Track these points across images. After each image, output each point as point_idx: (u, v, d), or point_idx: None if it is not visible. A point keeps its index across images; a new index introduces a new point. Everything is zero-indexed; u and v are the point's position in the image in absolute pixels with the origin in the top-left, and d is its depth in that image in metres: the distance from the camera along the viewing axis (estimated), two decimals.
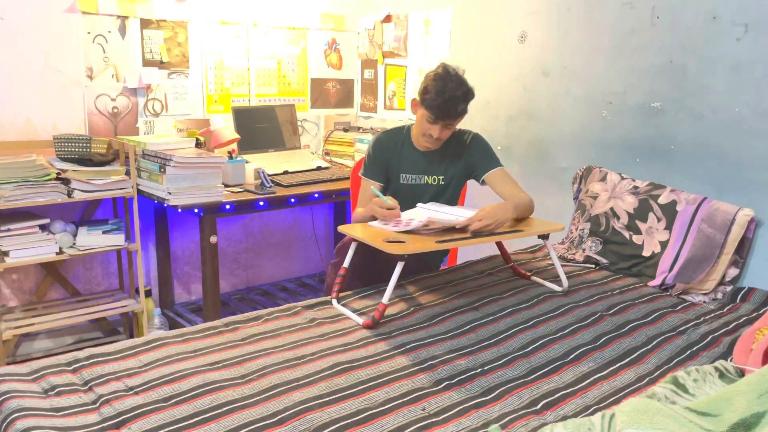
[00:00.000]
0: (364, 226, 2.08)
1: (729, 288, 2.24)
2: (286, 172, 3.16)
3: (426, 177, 2.38)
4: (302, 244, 3.90)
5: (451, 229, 2.03)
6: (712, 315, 2.07)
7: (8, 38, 2.71)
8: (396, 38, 3.60)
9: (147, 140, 2.83)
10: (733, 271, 2.26)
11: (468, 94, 2.23)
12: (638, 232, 2.41)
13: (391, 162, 2.39)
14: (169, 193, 2.61)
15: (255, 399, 1.47)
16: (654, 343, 1.82)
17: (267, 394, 1.49)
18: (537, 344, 1.80)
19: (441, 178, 2.39)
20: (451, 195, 2.41)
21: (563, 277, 2.17)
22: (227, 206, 2.73)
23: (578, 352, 1.76)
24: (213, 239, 2.73)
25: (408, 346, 1.76)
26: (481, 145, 2.41)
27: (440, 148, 2.36)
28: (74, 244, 2.69)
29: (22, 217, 2.61)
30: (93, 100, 2.97)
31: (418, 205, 2.28)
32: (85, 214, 3.00)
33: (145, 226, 3.23)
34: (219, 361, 1.65)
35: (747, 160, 2.26)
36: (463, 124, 3.24)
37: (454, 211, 2.17)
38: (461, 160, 2.39)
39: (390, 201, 2.12)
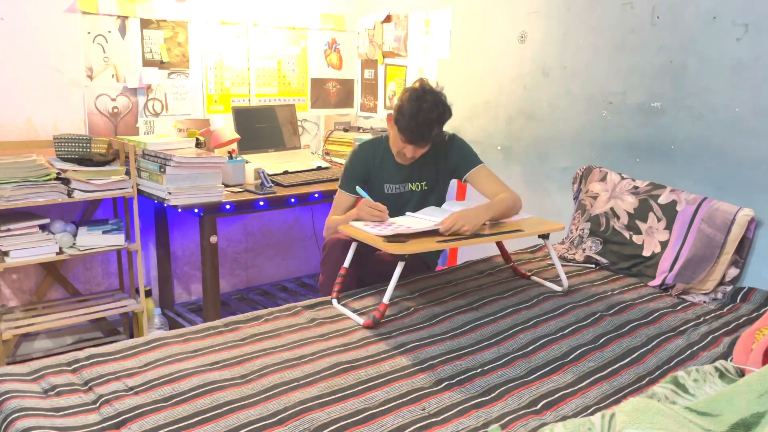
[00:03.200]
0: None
1: (729, 288, 2.24)
2: (286, 172, 3.16)
3: (410, 185, 2.38)
4: (302, 244, 3.90)
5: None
6: (712, 315, 2.07)
7: (8, 38, 2.71)
8: (396, 38, 3.60)
9: (147, 140, 2.83)
10: (733, 271, 2.26)
11: (443, 115, 2.18)
12: (638, 232, 2.41)
13: (371, 174, 2.38)
14: (169, 193, 2.61)
15: (255, 399, 1.47)
16: (654, 343, 1.82)
17: (267, 394, 1.49)
18: (537, 344, 1.80)
19: (424, 183, 2.39)
20: (436, 198, 2.41)
21: (563, 277, 2.17)
22: (227, 206, 2.73)
23: (578, 352, 1.76)
24: (213, 239, 2.73)
25: (408, 346, 1.76)
26: (460, 146, 2.40)
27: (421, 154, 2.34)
28: (74, 244, 2.69)
29: (22, 217, 2.61)
30: (93, 100, 2.97)
31: (407, 213, 2.26)
32: (85, 214, 3.00)
33: (145, 226, 3.23)
34: (219, 361, 1.65)
35: (747, 160, 2.26)
36: (463, 124, 3.26)
37: (437, 213, 2.15)
38: (442, 163, 2.39)
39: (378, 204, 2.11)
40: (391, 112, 2.24)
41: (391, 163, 2.38)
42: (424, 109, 2.12)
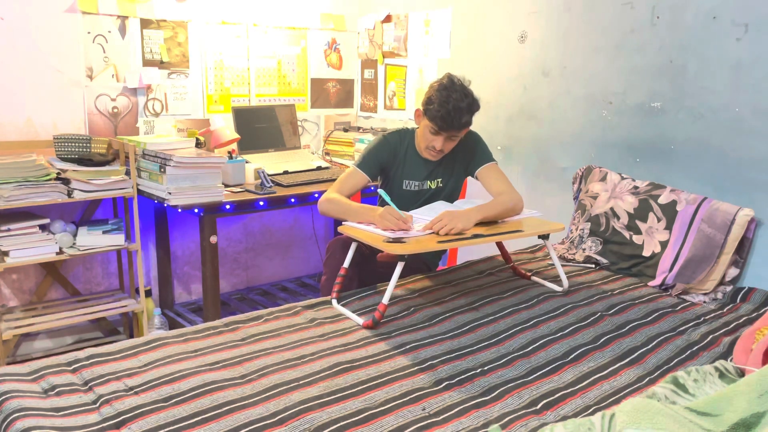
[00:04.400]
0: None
1: (729, 288, 2.24)
2: (286, 172, 3.16)
3: (428, 182, 2.38)
4: (302, 244, 3.90)
5: None
6: (712, 315, 2.07)
7: (8, 38, 2.71)
8: (396, 38, 3.60)
9: (147, 140, 2.83)
10: (733, 271, 2.26)
11: (473, 105, 2.20)
12: (638, 232, 2.41)
13: (393, 165, 2.37)
14: (169, 193, 2.61)
15: (255, 399, 1.47)
16: (654, 343, 1.82)
17: (267, 394, 1.49)
18: (537, 344, 1.80)
19: (440, 180, 2.39)
20: (447, 195, 2.40)
21: (563, 277, 2.17)
22: (227, 206, 2.73)
23: (578, 352, 1.76)
24: (213, 239, 2.73)
25: (408, 346, 1.76)
26: (474, 141, 2.39)
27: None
28: (74, 244, 2.69)
29: (22, 217, 2.61)
30: (93, 100, 2.97)
31: (425, 208, 2.26)
32: (85, 214, 3.00)
33: (145, 226, 3.23)
34: (219, 361, 1.65)
35: (747, 160, 2.26)
36: None
37: (431, 213, 2.15)
38: (459, 161, 2.39)
39: (404, 214, 2.02)
40: (419, 107, 2.25)
41: (414, 160, 2.36)
42: (453, 98, 2.14)
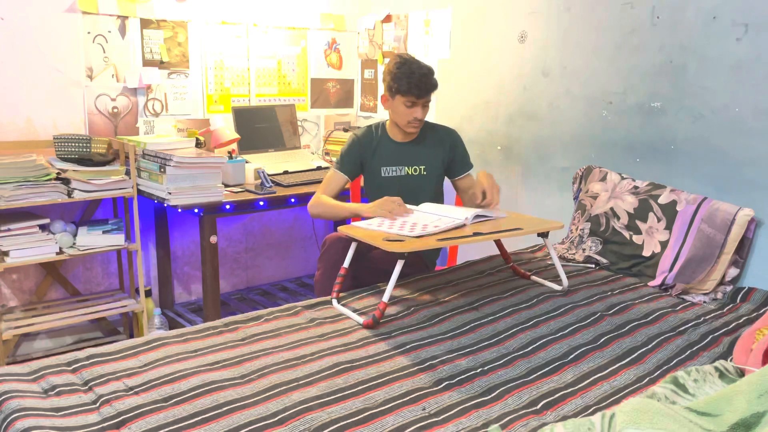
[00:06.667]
0: (363, 224, 2.07)
1: (729, 288, 2.24)
2: (286, 172, 3.16)
3: (406, 168, 2.46)
4: (302, 244, 3.90)
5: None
6: (712, 315, 2.07)
7: (8, 38, 2.71)
8: (396, 38, 3.60)
9: (147, 140, 2.83)
10: (733, 271, 2.26)
11: (431, 69, 2.35)
12: (638, 232, 2.41)
13: (368, 158, 2.47)
14: (169, 193, 2.61)
15: (255, 399, 1.47)
16: (654, 343, 1.82)
17: (267, 394, 1.49)
18: (537, 344, 1.80)
19: (423, 168, 2.46)
20: (436, 184, 2.49)
21: (563, 277, 2.17)
22: (227, 206, 2.73)
23: (578, 352, 1.76)
24: (213, 239, 2.73)
25: (408, 346, 1.76)
26: (462, 145, 2.53)
27: (415, 139, 2.45)
28: (74, 244, 2.69)
29: (22, 217, 2.61)
30: (93, 100, 2.97)
31: (423, 206, 2.27)
32: (85, 214, 3.00)
33: (145, 226, 3.23)
34: (219, 361, 1.65)
35: (747, 160, 2.26)
36: (463, 124, 3.26)
37: (455, 212, 2.16)
38: (440, 153, 2.47)
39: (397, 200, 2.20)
40: (384, 93, 2.39)
41: (388, 146, 2.47)
42: (414, 67, 2.31)
